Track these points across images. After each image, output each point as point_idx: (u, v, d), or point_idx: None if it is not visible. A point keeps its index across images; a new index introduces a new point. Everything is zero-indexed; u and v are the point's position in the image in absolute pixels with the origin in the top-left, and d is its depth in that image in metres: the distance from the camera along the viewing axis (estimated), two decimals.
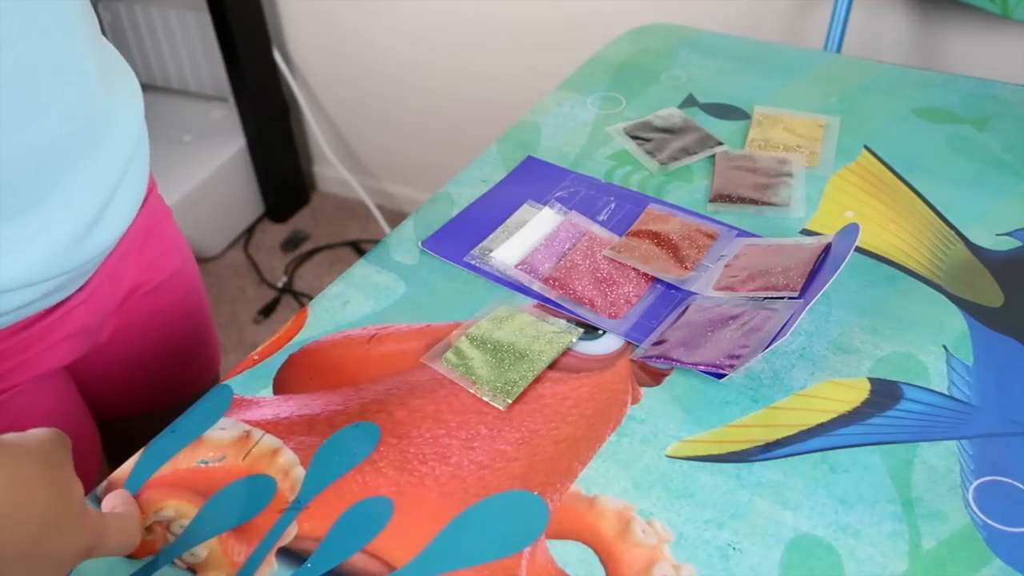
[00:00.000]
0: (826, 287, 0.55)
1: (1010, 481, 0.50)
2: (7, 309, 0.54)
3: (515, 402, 0.55)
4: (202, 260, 1.95)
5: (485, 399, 0.56)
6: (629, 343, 0.59)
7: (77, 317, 0.62)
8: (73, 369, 0.68)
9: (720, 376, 0.56)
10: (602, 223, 0.69)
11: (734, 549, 0.47)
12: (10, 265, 0.51)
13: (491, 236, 0.68)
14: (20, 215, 0.51)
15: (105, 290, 0.64)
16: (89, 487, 0.54)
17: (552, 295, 0.63)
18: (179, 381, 0.78)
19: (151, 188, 0.69)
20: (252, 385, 0.58)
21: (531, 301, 0.63)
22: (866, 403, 0.54)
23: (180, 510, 0.51)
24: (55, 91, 0.51)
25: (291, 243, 1.98)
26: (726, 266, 0.64)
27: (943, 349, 0.58)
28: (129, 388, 0.74)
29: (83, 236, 0.56)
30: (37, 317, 0.59)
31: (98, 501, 0.52)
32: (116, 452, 0.74)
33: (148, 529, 0.50)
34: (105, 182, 0.57)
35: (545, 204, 0.71)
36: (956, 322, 0.59)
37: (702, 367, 0.56)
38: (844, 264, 0.56)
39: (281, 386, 0.58)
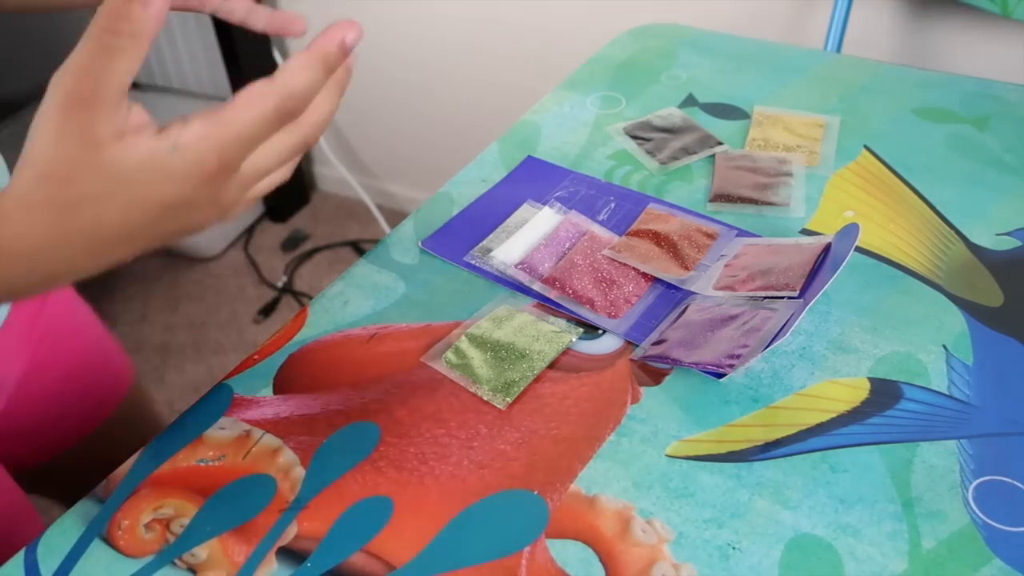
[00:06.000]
0: (826, 287, 0.55)
1: (1010, 481, 0.50)
2: None
3: (515, 402, 0.55)
4: (202, 260, 1.95)
5: (485, 399, 0.56)
6: (629, 343, 0.59)
7: None
8: None
9: (720, 376, 0.56)
10: (602, 223, 0.69)
11: (734, 549, 0.47)
12: None
13: (491, 236, 0.68)
14: None
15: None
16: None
17: (552, 295, 0.63)
18: (93, 406, 0.79)
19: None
20: (252, 385, 0.58)
21: (531, 301, 0.63)
22: (866, 403, 0.54)
23: (179, 509, 0.51)
24: None
25: (291, 243, 1.98)
26: (726, 266, 0.64)
27: (943, 349, 0.58)
28: (46, 428, 0.75)
29: None
30: None
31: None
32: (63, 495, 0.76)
33: (148, 528, 0.50)
34: None
35: (545, 204, 0.71)
36: (956, 322, 0.59)
37: (702, 367, 0.56)
38: (844, 264, 0.56)
39: (281, 386, 0.58)
